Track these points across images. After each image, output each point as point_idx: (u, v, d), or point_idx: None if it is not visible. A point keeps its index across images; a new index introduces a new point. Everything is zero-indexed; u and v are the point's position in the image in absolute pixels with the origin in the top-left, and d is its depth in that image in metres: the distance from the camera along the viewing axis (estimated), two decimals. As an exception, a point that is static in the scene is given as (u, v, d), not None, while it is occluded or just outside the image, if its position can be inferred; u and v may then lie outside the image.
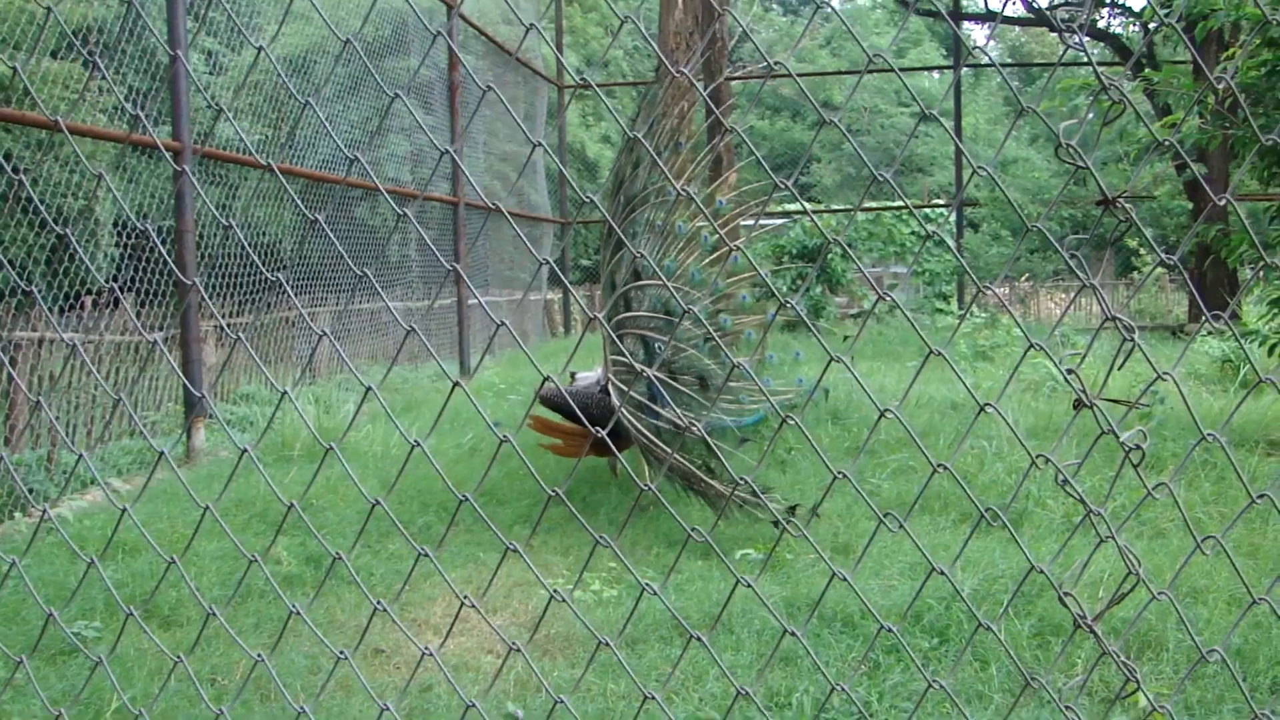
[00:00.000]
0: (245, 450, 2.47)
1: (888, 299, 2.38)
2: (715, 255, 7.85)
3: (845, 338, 16.97)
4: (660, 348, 7.11)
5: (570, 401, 2.52)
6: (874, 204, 23.61)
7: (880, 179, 2.39)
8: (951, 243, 2.55)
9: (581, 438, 7.19)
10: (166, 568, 2.76)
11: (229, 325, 10.38)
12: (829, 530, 6.42)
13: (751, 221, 8.41)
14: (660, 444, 6.52)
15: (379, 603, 2.43)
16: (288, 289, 2.28)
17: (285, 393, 2.42)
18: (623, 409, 6.48)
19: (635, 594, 5.50)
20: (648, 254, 7.10)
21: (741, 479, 2.40)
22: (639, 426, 6.49)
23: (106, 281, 2.77)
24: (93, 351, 8.84)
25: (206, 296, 3.34)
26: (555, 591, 2.42)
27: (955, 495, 6.87)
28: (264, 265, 11.42)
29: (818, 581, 5.50)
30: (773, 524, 6.35)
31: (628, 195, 7.07)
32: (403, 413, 10.53)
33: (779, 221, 19.46)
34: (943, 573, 2.39)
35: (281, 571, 5.76)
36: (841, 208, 26.76)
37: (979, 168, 2.28)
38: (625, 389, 6.64)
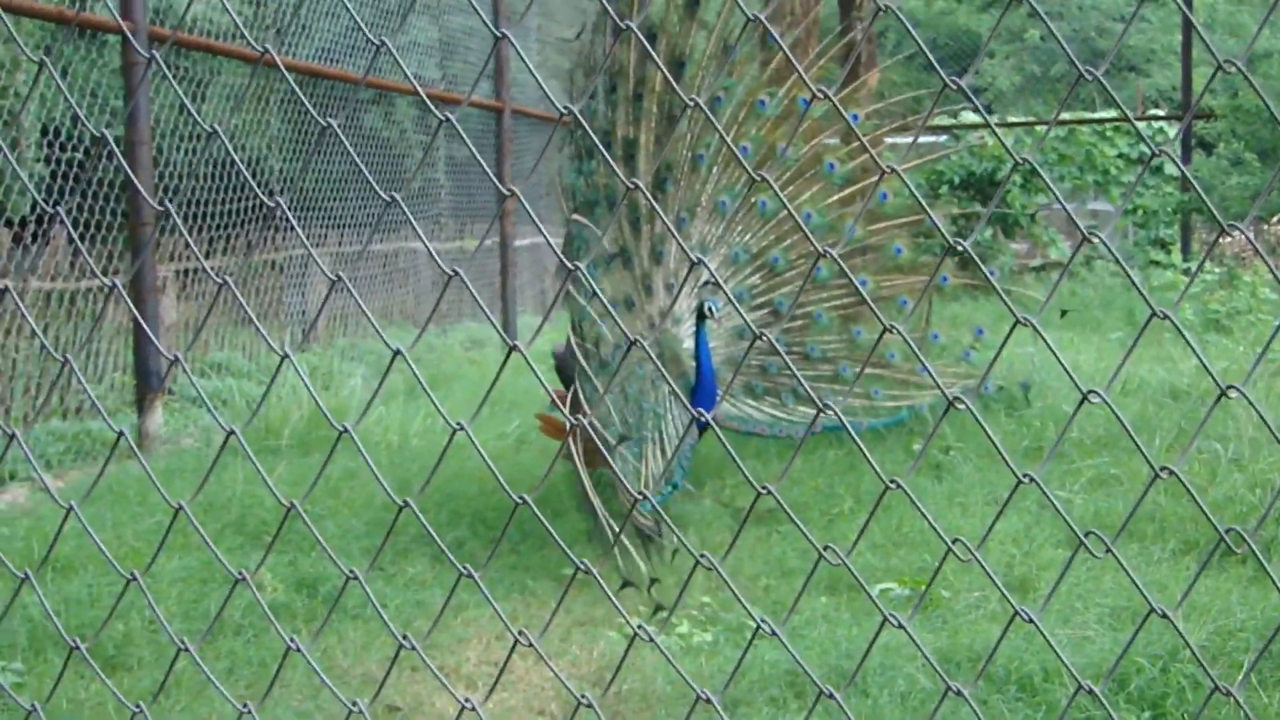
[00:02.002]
0: (231, 431, 2.53)
1: (1095, 240, 2.38)
2: (851, 188, 7.80)
3: (1069, 303, 16.58)
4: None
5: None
6: (1067, 115, 23.27)
7: (1089, 77, 2.38)
8: (1180, 169, 2.54)
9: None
10: (124, 588, 2.82)
11: (213, 271, 10.49)
12: (1000, 559, 6.36)
13: (895, 140, 8.35)
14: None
15: (405, 638, 2.47)
16: (291, 220, 2.33)
17: (286, 355, 2.47)
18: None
19: (735, 639, 5.52)
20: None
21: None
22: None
23: (40, 208, 2.85)
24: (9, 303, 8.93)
25: (184, 229, 3.36)
26: (640, 627, 2.45)
27: (1175, 516, 6.80)
28: (257, 190, 11.38)
29: (983, 629, 5.48)
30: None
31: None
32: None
33: (937, 139, 19.22)
34: (1165, 615, 2.38)
35: (264, 599, 5.83)
36: (1023, 120, 26.36)
37: (1225, 62, 2.27)
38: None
